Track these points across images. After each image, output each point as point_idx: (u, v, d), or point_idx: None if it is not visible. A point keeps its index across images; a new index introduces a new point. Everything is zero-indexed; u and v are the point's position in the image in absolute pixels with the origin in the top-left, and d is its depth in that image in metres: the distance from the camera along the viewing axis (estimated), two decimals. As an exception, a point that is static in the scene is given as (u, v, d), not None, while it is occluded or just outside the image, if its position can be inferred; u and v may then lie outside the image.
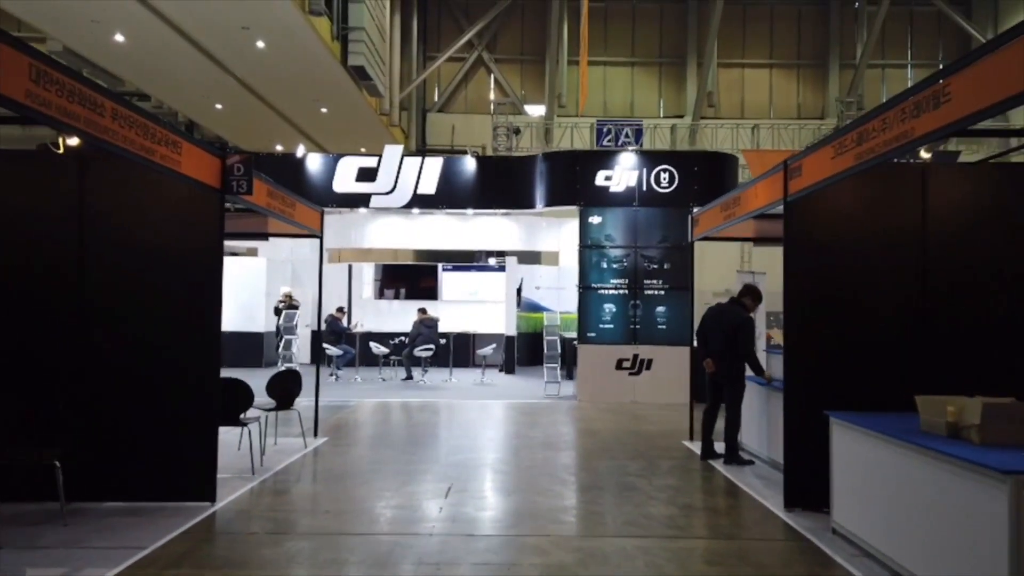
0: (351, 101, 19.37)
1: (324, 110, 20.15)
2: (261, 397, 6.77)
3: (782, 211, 5.20)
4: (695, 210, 7.96)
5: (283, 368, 10.45)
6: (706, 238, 7.71)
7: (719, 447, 6.84)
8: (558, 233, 15.52)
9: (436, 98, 28.78)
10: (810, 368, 5.04)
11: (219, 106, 19.10)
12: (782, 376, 6.71)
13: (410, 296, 17.54)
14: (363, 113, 20.36)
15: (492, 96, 27.60)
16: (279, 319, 13.51)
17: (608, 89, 28.85)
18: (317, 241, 7.51)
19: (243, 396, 5.92)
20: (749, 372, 6.73)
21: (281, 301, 13.60)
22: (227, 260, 15.50)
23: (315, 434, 7.70)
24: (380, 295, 18.08)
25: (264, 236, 7.95)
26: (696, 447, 7.37)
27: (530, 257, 15.44)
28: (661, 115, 28.16)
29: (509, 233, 15.11)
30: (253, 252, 16.38)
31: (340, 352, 13.27)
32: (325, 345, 13.28)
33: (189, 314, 5.11)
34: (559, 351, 11.88)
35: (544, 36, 27.84)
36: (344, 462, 6.73)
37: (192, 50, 15.20)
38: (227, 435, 6.77)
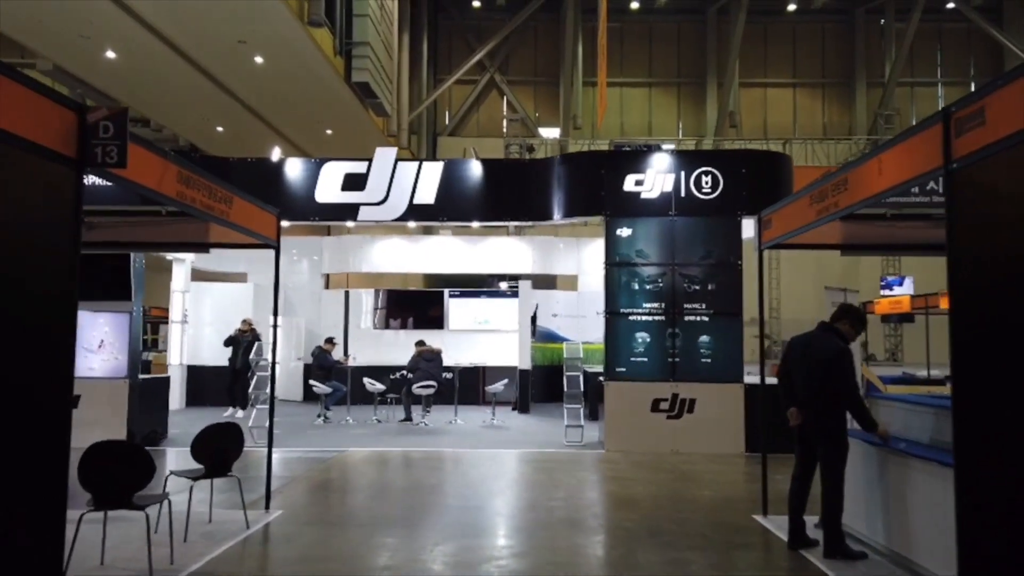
0: (356, 121, 18.52)
1: (329, 132, 19.13)
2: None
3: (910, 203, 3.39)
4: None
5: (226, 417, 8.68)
6: (778, 245, 5.90)
7: (810, 524, 5.03)
8: (576, 255, 13.95)
9: (447, 121, 27.73)
10: (1002, 431, 3.16)
11: (220, 129, 18.28)
12: (905, 432, 4.89)
13: (415, 326, 15.90)
14: (369, 135, 19.35)
15: (504, 113, 26.47)
16: (236, 352, 11.79)
17: (625, 110, 27.74)
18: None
19: (138, 465, 4.12)
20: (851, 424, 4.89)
21: (242, 331, 11.88)
22: (208, 285, 14.17)
23: (266, 505, 5.86)
24: (386, 325, 16.39)
25: (204, 247, 6.24)
26: (773, 524, 5.50)
27: (545, 281, 13.91)
28: (680, 136, 26.85)
29: (522, 255, 13.58)
30: (241, 277, 14.80)
31: (329, 390, 11.52)
32: (313, 382, 11.63)
33: (19, 364, 3.30)
34: (582, 388, 10.01)
35: (558, 57, 26.80)
36: (290, 556, 4.85)
37: (188, 67, 14.47)
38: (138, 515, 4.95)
